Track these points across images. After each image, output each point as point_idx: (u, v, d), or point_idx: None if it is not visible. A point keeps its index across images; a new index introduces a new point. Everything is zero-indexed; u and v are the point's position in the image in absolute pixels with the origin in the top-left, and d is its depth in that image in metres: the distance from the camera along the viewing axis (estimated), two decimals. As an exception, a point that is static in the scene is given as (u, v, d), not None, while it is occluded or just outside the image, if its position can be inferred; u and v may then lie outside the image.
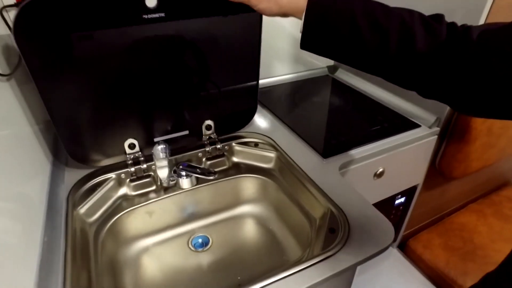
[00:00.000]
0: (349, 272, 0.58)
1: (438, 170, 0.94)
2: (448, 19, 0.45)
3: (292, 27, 1.04)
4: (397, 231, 1.10)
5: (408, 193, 0.97)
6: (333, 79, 1.13)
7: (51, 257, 0.51)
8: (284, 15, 0.52)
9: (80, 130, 0.63)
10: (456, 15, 0.75)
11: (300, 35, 0.50)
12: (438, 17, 0.45)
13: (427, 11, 0.46)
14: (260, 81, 0.78)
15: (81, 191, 0.66)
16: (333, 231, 0.58)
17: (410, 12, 0.45)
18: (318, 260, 0.52)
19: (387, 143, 0.80)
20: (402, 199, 0.98)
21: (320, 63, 1.17)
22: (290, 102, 1.00)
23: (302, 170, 0.70)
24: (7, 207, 0.43)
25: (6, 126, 0.54)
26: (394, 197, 0.95)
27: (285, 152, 0.75)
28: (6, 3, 0.62)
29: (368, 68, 0.49)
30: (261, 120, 0.88)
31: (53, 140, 0.74)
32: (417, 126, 0.86)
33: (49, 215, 0.57)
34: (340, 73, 1.15)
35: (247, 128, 0.83)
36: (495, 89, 0.39)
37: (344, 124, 0.88)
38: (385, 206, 0.97)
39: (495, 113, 0.42)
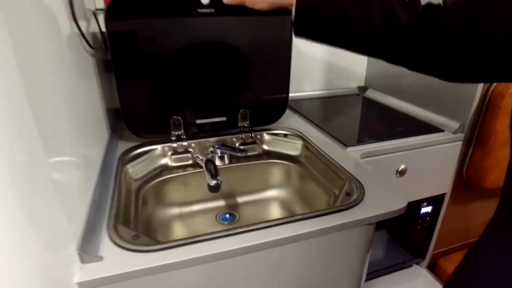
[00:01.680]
0: (364, 234, 0.61)
1: (466, 179, 0.95)
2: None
3: (322, 53, 1.16)
4: (425, 247, 1.07)
5: (435, 202, 0.98)
6: (363, 97, 1.21)
7: (101, 197, 0.61)
8: (276, 8, 0.59)
9: (137, 108, 0.76)
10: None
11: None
12: None
13: None
14: (292, 94, 0.88)
15: (130, 155, 0.77)
16: (349, 195, 0.63)
17: None
18: (335, 210, 0.57)
19: (408, 141, 0.84)
20: (429, 209, 0.98)
21: (351, 83, 1.26)
22: (319, 109, 1.09)
23: (326, 154, 0.76)
24: (75, 161, 0.54)
25: (85, 105, 0.67)
26: (419, 204, 0.96)
27: (311, 141, 0.82)
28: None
29: (358, 47, 0.53)
30: (291, 119, 0.97)
31: (112, 119, 0.88)
32: (441, 130, 0.90)
33: (103, 169, 0.68)
34: (369, 92, 1.23)
35: (277, 124, 0.92)
36: (469, 52, 0.43)
37: (368, 126, 0.94)
38: (410, 213, 0.97)
39: (477, 76, 0.46)
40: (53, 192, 0.40)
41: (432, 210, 0.99)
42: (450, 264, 1.06)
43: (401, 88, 1.10)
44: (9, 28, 0.34)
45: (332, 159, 0.74)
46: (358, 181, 0.65)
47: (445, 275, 1.06)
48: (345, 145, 0.80)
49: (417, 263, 1.12)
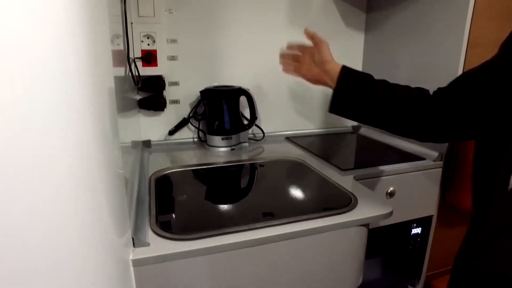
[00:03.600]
0: (359, 233, 0.73)
1: (449, 202, 1.08)
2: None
3: (318, 96, 1.35)
4: (418, 268, 1.17)
5: (424, 224, 1.10)
6: (356, 134, 1.38)
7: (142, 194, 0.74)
8: (319, 84, 0.79)
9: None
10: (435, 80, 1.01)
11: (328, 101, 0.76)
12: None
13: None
14: (291, 132, 1.04)
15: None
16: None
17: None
18: (332, 213, 0.70)
19: (395, 167, 0.99)
20: (419, 230, 1.10)
21: (346, 123, 1.43)
22: (316, 143, 1.24)
23: (325, 175, 0.90)
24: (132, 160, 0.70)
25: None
26: (410, 225, 1.08)
27: (311, 166, 0.97)
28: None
29: (381, 122, 0.73)
30: (291, 151, 1.12)
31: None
32: (423, 159, 1.04)
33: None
34: (362, 130, 1.40)
35: (280, 154, 1.06)
36: (446, 123, 0.67)
37: (361, 156, 1.09)
38: (402, 233, 1.09)
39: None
40: (123, 188, 0.54)
41: (422, 231, 1.10)
42: (444, 284, 1.15)
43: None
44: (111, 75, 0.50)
45: (329, 178, 0.88)
46: (352, 193, 0.78)
47: (440, 296, 1.14)
48: (341, 168, 0.94)
49: (413, 285, 1.21)
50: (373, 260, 1.26)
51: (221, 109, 1.10)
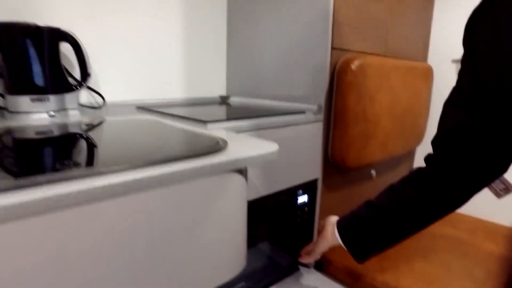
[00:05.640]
0: (234, 182, 0.49)
1: (332, 160, 0.96)
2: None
3: (180, 60, 1.10)
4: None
5: (310, 189, 0.95)
6: (226, 104, 1.17)
7: None
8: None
9: None
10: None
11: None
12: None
13: None
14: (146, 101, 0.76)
15: None
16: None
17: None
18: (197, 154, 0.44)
19: (272, 121, 0.80)
20: (305, 198, 0.94)
21: (213, 91, 1.22)
22: (178, 112, 0.98)
23: (186, 129, 0.65)
24: None
25: None
26: (295, 192, 0.91)
27: (169, 124, 0.70)
28: None
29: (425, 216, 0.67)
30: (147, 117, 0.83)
31: None
32: (302, 112, 0.90)
33: None
34: (232, 99, 1.20)
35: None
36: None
37: (233, 113, 0.88)
38: (288, 203, 0.92)
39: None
40: None
41: (308, 199, 0.95)
42: (336, 256, 1.02)
43: (262, 89, 1.10)
44: None
45: (192, 130, 0.63)
46: (222, 139, 0.55)
47: (335, 269, 1.01)
48: (205, 121, 0.70)
49: (306, 266, 1.05)
50: (260, 246, 1.06)
51: (26, 55, 0.74)
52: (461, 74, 0.56)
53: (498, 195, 1.34)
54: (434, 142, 0.63)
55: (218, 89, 1.24)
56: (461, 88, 0.56)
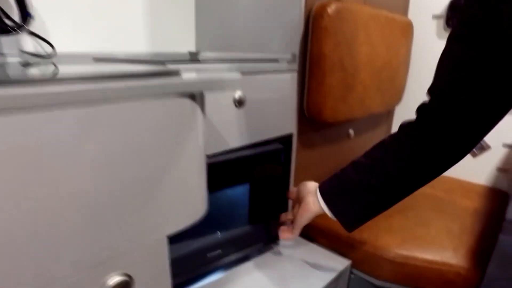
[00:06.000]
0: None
1: (308, 114, 0.90)
2: None
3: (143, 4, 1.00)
4: (284, 204, 0.96)
5: (285, 144, 0.89)
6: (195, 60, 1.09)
7: None
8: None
9: None
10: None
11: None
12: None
13: None
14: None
15: None
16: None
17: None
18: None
19: (240, 66, 0.73)
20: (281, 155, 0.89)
21: (182, 45, 1.13)
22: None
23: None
24: None
25: None
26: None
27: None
28: None
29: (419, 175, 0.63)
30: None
31: None
32: (275, 61, 0.83)
33: None
34: (202, 54, 1.12)
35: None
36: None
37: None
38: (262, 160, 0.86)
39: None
40: None
41: (283, 156, 0.90)
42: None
43: (234, 42, 1.02)
44: None
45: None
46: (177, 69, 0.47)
47: (308, 228, 0.96)
48: (163, 62, 0.62)
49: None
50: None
51: None
52: (467, 6, 0.49)
53: (474, 154, 1.33)
54: (432, 89, 0.57)
55: (187, 44, 1.15)
56: (467, 21, 0.49)
